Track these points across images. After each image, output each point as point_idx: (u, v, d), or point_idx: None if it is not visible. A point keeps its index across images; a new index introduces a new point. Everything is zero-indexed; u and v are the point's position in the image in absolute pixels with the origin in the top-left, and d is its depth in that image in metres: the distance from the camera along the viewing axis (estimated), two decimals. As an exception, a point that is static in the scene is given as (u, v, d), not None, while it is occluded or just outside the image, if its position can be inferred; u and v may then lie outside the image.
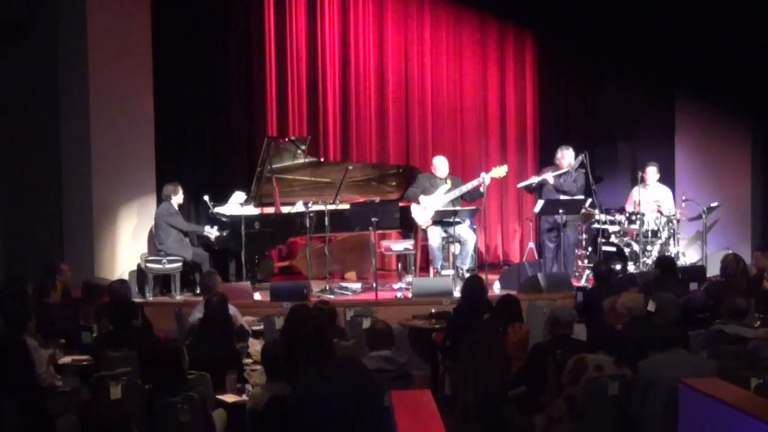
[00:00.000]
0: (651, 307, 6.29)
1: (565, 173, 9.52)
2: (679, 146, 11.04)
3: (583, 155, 9.54)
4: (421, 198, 9.47)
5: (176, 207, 9.24)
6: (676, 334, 4.98)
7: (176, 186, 9.28)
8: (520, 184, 10.17)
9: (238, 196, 9.52)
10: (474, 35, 11.48)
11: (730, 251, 8.74)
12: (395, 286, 9.13)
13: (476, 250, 9.64)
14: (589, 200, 9.74)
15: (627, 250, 9.72)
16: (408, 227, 9.92)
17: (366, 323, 7.04)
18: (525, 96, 11.64)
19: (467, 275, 8.24)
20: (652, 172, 10.13)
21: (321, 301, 7.12)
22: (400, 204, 9.91)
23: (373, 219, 9.05)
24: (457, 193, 9.43)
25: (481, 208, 9.58)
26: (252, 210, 9.45)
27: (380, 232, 9.70)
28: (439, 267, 9.45)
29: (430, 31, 11.34)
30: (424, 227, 9.54)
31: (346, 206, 9.54)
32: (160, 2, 9.98)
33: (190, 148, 10.59)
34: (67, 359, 6.18)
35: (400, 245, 9.68)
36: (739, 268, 7.58)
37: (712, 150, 10.89)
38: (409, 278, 9.31)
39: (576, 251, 9.84)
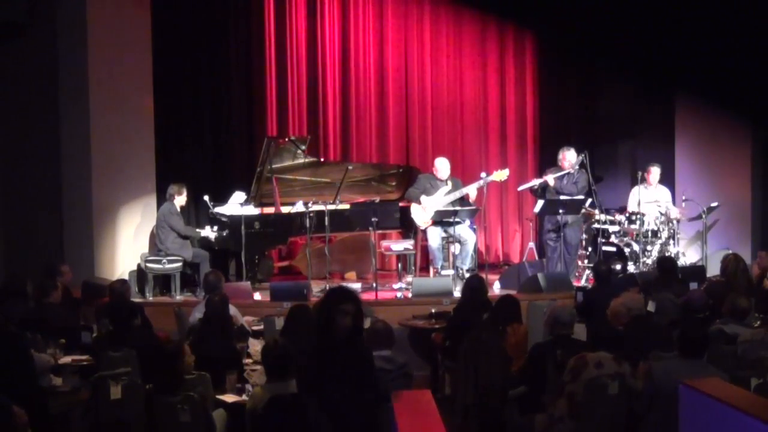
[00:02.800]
0: (651, 307, 6.30)
1: (566, 174, 9.52)
2: (679, 146, 11.04)
3: (583, 155, 9.54)
4: (422, 198, 9.47)
5: (178, 208, 9.24)
6: (698, 342, 4.95)
7: (181, 187, 9.28)
8: (521, 187, 10.17)
9: (238, 196, 9.52)
10: (474, 35, 11.48)
11: (730, 251, 8.74)
12: (395, 286, 9.13)
13: (476, 250, 9.64)
14: (589, 200, 9.74)
15: (627, 250, 9.72)
16: (408, 227, 9.91)
17: (366, 323, 7.02)
18: (525, 96, 11.64)
19: (467, 275, 8.24)
20: (655, 174, 10.12)
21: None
22: (400, 204, 9.91)
23: (373, 219, 9.05)
24: (457, 194, 9.43)
25: (481, 208, 9.58)
26: (252, 210, 9.45)
27: (380, 232, 9.70)
28: (439, 267, 9.45)
29: (430, 31, 11.34)
30: (423, 228, 9.54)
31: (346, 206, 9.54)
32: (160, 2, 9.98)
33: (190, 149, 10.59)
34: (67, 359, 6.18)
35: (400, 245, 9.68)
36: (739, 267, 7.59)
37: (712, 150, 10.89)
38: (409, 278, 9.31)
39: (578, 251, 9.83)
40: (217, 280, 7.31)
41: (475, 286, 7.08)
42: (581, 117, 11.61)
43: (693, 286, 7.69)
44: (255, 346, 6.32)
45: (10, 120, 9.25)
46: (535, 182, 9.77)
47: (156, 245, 9.28)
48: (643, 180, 10.13)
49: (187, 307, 7.63)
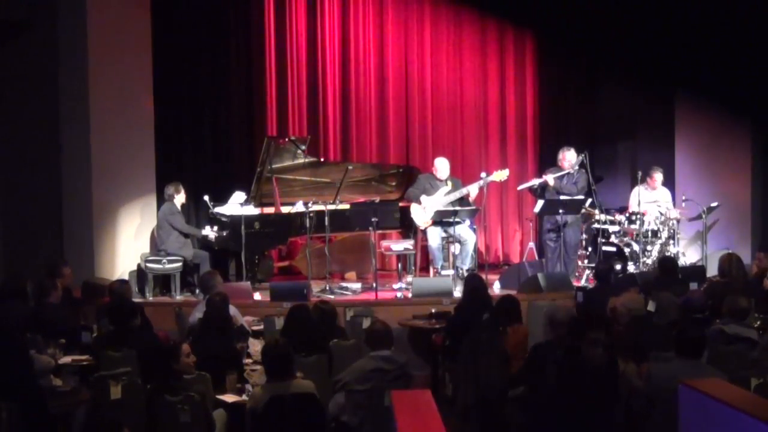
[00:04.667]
0: (651, 307, 6.29)
1: (566, 174, 9.52)
2: (679, 146, 11.04)
3: (583, 155, 9.54)
4: (422, 198, 9.47)
5: (179, 207, 9.25)
6: (696, 342, 4.95)
7: (178, 186, 9.29)
8: (521, 186, 10.17)
9: (238, 196, 9.52)
10: (474, 35, 11.48)
11: (730, 251, 8.75)
12: (395, 286, 9.13)
13: (476, 250, 9.64)
14: (589, 200, 9.74)
15: (627, 250, 9.72)
16: (408, 227, 9.92)
17: (366, 323, 7.05)
18: (525, 96, 11.63)
19: (467, 275, 8.24)
20: (659, 178, 10.14)
21: (321, 301, 7.13)
22: (400, 204, 9.91)
23: (373, 219, 9.05)
24: (457, 194, 9.43)
25: (481, 208, 9.58)
26: (252, 210, 9.45)
27: (380, 232, 9.69)
28: (439, 267, 9.45)
29: (430, 31, 11.33)
30: (422, 228, 9.54)
31: (346, 206, 9.54)
32: (160, 2, 9.97)
33: (190, 148, 10.57)
34: (67, 359, 6.18)
35: (400, 245, 9.68)
36: (733, 265, 7.59)
37: (712, 150, 10.89)
38: (409, 278, 9.31)
39: (577, 251, 9.83)
40: (210, 278, 7.32)
41: (474, 285, 7.09)
42: (581, 117, 11.60)
43: (693, 286, 7.68)
44: (255, 346, 6.33)
45: (10, 120, 9.25)
46: (535, 182, 9.77)
47: (156, 245, 9.28)
48: (644, 181, 10.14)
49: (187, 307, 7.63)
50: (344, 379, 5.23)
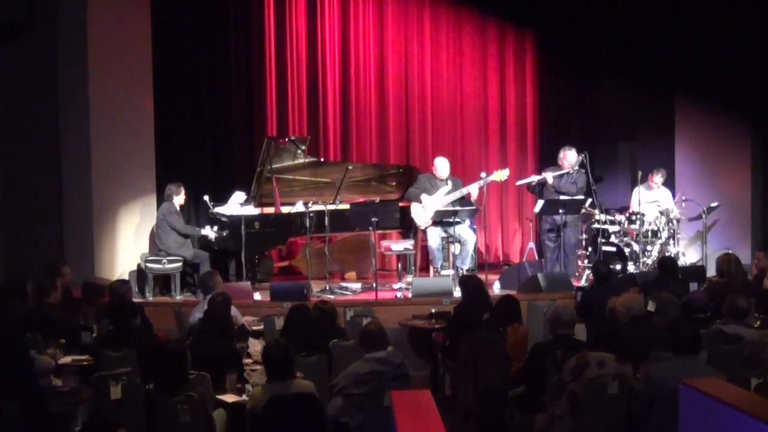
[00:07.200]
0: (651, 307, 6.29)
1: (565, 174, 9.52)
2: (679, 146, 11.04)
3: (583, 155, 9.54)
4: (423, 198, 9.46)
5: (177, 207, 9.25)
6: (690, 340, 4.94)
7: (178, 186, 9.29)
8: (519, 182, 10.18)
9: (238, 196, 9.52)
10: (474, 35, 11.49)
11: (730, 251, 8.75)
12: (395, 286, 9.12)
13: (476, 250, 9.64)
14: (589, 200, 9.75)
15: (627, 250, 9.72)
16: (408, 227, 9.92)
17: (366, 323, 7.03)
18: (525, 96, 11.64)
19: (462, 276, 8.23)
20: (658, 179, 10.15)
21: (321, 301, 7.13)
22: (400, 204, 9.91)
23: (373, 219, 9.04)
24: (457, 194, 9.43)
25: (481, 208, 9.58)
26: (252, 210, 9.45)
27: (380, 232, 9.69)
28: (439, 267, 9.45)
29: (430, 31, 11.34)
30: (423, 228, 9.54)
31: (346, 206, 9.54)
32: (160, 2, 9.97)
33: (190, 148, 10.59)
34: (67, 359, 6.18)
35: (400, 245, 9.68)
36: (732, 265, 7.59)
37: (712, 150, 10.89)
38: (409, 278, 9.30)
39: (576, 251, 9.84)
40: (210, 278, 7.32)
41: (469, 285, 7.08)
42: (581, 117, 11.61)
43: (693, 286, 7.69)
44: (255, 346, 6.33)
45: (10, 120, 9.24)
46: (534, 178, 9.79)
47: (156, 245, 9.28)
48: (644, 180, 10.14)
49: (187, 307, 7.63)
50: (340, 383, 5.20)
